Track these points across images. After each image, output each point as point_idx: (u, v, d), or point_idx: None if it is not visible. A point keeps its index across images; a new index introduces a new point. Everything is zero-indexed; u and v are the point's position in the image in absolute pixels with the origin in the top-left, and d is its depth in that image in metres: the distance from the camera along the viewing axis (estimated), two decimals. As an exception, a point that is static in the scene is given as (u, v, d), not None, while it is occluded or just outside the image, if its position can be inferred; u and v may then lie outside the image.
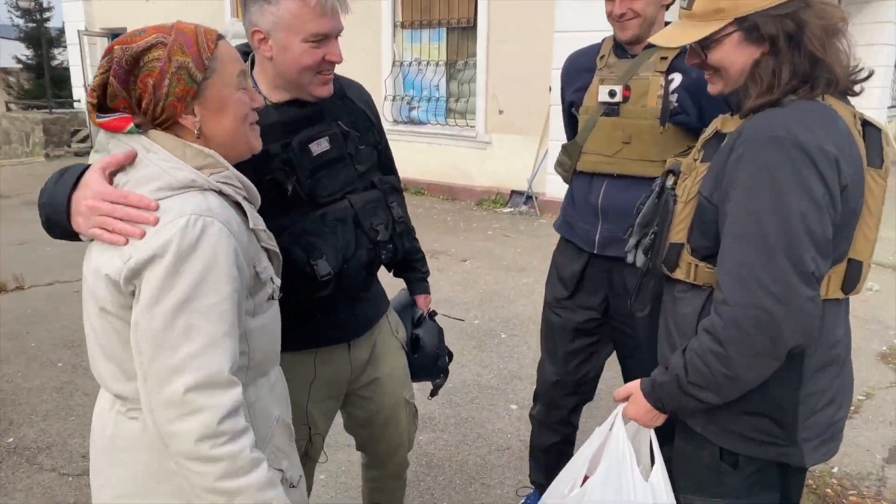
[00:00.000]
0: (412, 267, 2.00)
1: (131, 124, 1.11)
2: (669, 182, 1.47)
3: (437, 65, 9.12)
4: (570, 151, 2.12)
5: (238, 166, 1.24)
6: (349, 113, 1.66)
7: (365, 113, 1.72)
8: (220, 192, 1.14)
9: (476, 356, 3.94)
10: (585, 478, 1.55)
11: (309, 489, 1.89)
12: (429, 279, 2.05)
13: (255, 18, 1.48)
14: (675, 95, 1.93)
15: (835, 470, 2.82)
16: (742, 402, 1.35)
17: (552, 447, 2.36)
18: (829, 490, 2.69)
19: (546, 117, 7.76)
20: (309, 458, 1.77)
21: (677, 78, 1.94)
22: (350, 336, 1.74)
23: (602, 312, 2.16)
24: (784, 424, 1.34)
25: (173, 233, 1.04)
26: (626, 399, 1.51)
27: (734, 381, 1.28)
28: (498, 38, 8.31)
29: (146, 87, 1.10)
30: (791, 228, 1.19)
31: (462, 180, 8.82)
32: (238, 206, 1.18)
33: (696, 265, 1.38)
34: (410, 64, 9.31)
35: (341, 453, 2.91)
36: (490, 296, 5.02)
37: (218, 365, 1.05)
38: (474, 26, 8.48)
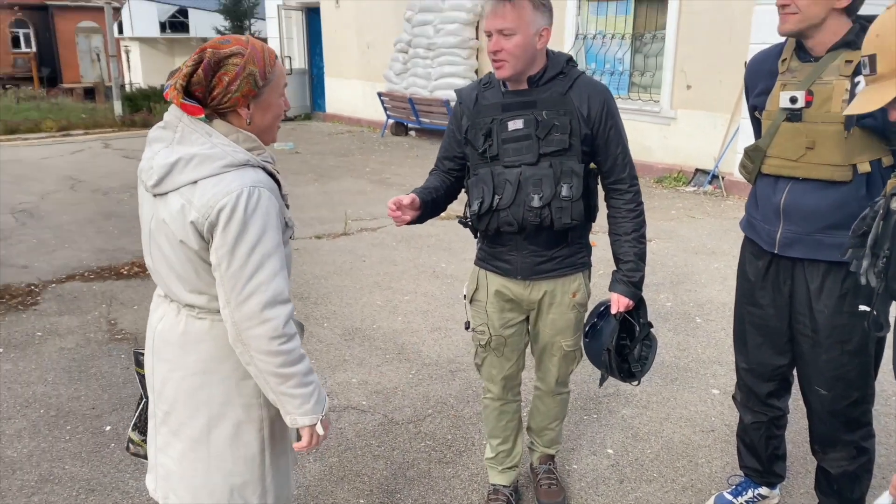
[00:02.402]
0: (616, 266, 2.25)
1: (203, 114, 1.50)
2: (895, 204, 1.49)
3: (622, 37, 9.00)
4: (753, 156, 2.14)
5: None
6: (557, 107, 2.07)
7: (579, 112, 2.08)
8: (264, 168, 1.54)
9: (672, 339, 4.02)
10: None
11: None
12: (634, 283, 2.21)
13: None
14: None
15: None
16: None
17: (757, 427, 2.43)
18: None
19: (739, 94, 7.44)
20: (490, 349, 2.37)
21: (863, 81, 1.85)
22: (514, 274, 2.24)
23: (787, 309, 2.18)
24: None
25: (242, 199, 1.44)
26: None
27: None
28: (691, 9, 8.05)
29: (221, 82, 1.49)
30: None
31: (641, 157, 8.71)
32: (274, 178, 1.58)
33: None
34: (594, 37, 9.26)
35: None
36: (680, 278, 5.04)
37: (280, 287, 1.50)
38: (665, -1, 8.29)
